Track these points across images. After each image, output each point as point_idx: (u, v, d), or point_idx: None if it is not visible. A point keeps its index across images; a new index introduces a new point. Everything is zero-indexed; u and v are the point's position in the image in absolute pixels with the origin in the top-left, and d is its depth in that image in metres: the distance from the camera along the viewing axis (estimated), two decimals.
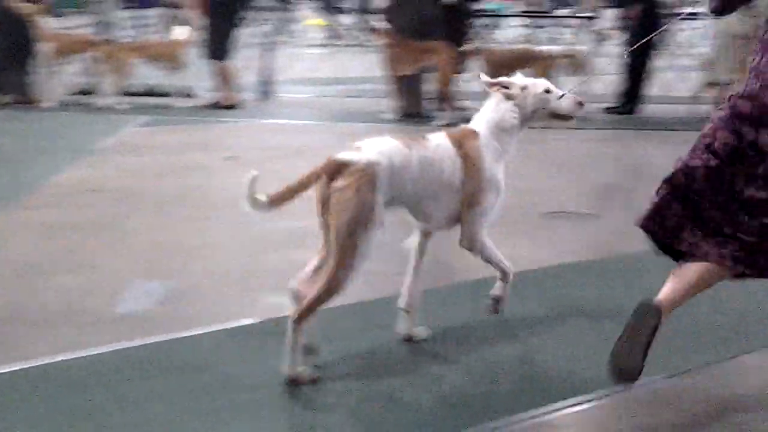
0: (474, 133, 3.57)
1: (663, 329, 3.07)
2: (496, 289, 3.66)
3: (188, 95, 11.19)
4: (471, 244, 3.57)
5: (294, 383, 3.23)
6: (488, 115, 3.63)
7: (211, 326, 3.83)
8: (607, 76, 11.72)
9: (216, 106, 10.72)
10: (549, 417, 3.10)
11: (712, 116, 3.20)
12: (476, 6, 11.80)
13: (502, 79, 3.74)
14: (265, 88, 11.87)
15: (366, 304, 4.06)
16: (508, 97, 3.64)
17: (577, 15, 17.22)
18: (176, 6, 13.62)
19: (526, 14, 20.02)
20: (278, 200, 3.23)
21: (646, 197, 6.47)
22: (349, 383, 3.31)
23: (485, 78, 3.77)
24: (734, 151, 3.05)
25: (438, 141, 3.48)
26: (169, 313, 4.04)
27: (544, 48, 11.21)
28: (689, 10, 9.93)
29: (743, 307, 4.13)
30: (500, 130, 3.59)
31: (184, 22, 11.78)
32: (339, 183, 3.18)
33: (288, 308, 3.29)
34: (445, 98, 9.79)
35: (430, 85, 10.23)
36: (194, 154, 7.82)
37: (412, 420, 3.03)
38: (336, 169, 3.20)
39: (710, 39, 11.12)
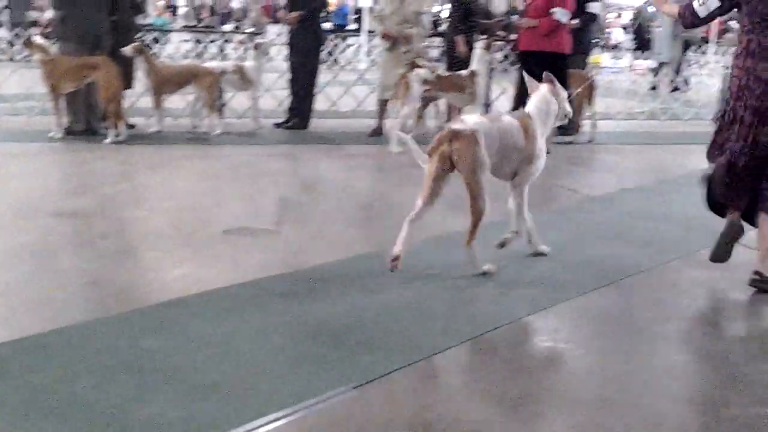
0: (529, 115, 5.13)
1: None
2: (510, 233, 5.24)
3: None
4: (521, 189, 5.14)
5: (485, 274, 4.84)
6: (537, 104, 5.21)
7: None
8: (276, 92, 11.90)
9: None
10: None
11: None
12: (142, 21, 11.50)
13: (553, 78, 5.32)
14: None
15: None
16: (553, 93, 5.24)
17: (244, 30, 17.34)
18: None
19: (192, 29, 19.87)
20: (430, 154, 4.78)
21: (320, 211, 6.63)
22: None
23: (531, 79, 5.46)
24: None
25: (509, 119, 5.06)
26: None
27: (211, 64, 11.12)
28: (353, 27, 10.31)
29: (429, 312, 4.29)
30: (545, 114, 5.19)
31: None
32: (457, 144, 4.66)
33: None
34: (111, 115, 9.42)
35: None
36: None
37: None
38: (453, 135, 4.68)
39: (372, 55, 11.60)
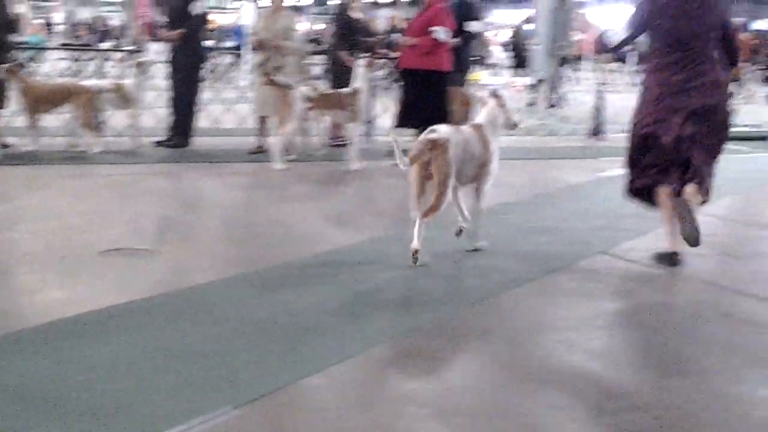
0: (482, 126, 5.88)
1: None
2: (465, 222, 5.97)
3: None
4: (482, 191, 5.88)
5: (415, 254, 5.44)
6: (487, 116, 5.93)
7: None
8: (156, 110, 11.73)
9: None
10: None
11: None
12: (17, 39, 11.18)
13: (500, 93, 6.03)
14: None
15: None
16: (501, 105, 5.92)
17: (122, 48, 17.06)
18: None
19: (69, 47, 19.44)
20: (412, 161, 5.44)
21: (202, 230, 6.58)
22: None
23: (482, 93, 5.89)
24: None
25: (468, 130, 5.83)
26: None
27: (88, 82, 10.88)
28: (232, 43, 10.28)
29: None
30: (493, 125, 5.90)
31: None
32: (435, 152, 5.43)
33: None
34: None
35: None
36: None
37: None
38: (432, 144, 5.44)
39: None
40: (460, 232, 6.04)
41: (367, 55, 10.52)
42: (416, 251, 5.48)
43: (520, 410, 3.49)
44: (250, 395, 3.51)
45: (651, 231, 6.65)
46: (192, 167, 9.52)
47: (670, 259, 5.66)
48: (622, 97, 17.29)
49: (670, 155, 5.64)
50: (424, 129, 9.47)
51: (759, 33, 33.80)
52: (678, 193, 5.57)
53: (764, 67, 23.38)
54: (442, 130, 5.62)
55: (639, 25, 5.80)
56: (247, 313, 4.53)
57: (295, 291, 4.94)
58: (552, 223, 6.90)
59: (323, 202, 7.97)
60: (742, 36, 23.78)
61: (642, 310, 4.90)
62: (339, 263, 5.61)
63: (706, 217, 7.18)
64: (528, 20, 23.43)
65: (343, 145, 10.88)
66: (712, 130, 5.63)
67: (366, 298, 4.87)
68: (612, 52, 6.06)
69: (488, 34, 32.59)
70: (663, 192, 5.72)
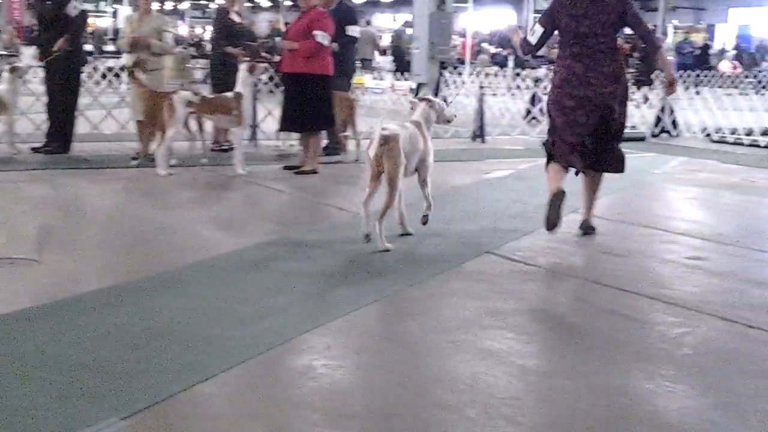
0: (420, 123, 6.53)
1: None
2: (425, 210, 6.59)
3: None
4: (423, 180, 6.52)
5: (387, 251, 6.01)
6: (422, 114, 6.62)
7: None
8: (33, 115, 11.40)
9: None
10: None
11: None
12: None
13: (428, 97, 7.08)
14: None
15: None
16: (431, 106, 6.71)
17: None
18: None
19: None
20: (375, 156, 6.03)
21: (85, 237, 6.43)
22: None
23: (415, 98, 7.64)
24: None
25: (411, 126, 6.40)
26: None
27: None
28: (113, 48, 10.05)
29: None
30: (427, 122, 6.65)
31: None
32: (387, 147, 5.99)
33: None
34: None
35: None
36: None
37: None
38: (384, 140, 5.97)
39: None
40: (425, 222, 6.64)
41: (248, 59, 10.46)
42: (368, 234, 6.09)
43: (413, 411, 3.51)
44: (138, 405, 3.44)
45: (536, 231, 6.81)
46: (72, 174, 9.28)
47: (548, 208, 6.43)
48: (503, 100, 17.70)
49: (564, 137, 6.57)
50: (309, 133, 9.67)
51: (631, 37, 34.93)
52: (565, 170, 6.63)
53: (635, 71, 24.04)
54: (391, 127, 6.18)
55: (550, 24, 6.63)
56: (131, 322, 4.43)
57: (180, 298, 4.87)
58: (439, 225, 6.97)
59: (208, 207, 7.88)
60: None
61: (528, 309, 4.99)
62: (224, 269, 5.56)
63: None
64: (407, 24, 23.67)
65: (228, 150, 10.79)
66: (607, 117, 6.49)
67: (252, 305, 4.83)
68: (534, 50, 6.85)
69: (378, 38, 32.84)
70: (552, 168, 6.69)
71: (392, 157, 6.02)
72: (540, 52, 8.97)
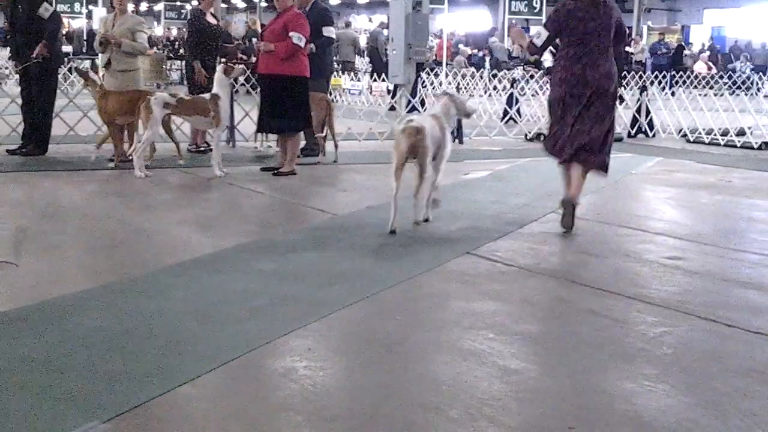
0: (438, 115, 7.07)
1: None
2: (435, 194, 7.14)
3: None
4: (437, 170, 7.02)
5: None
6: (442, 108, 7.17)
7: None
8: (8, 117, 11.32)
9: None
10: None
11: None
12: None
13: (450, 92, 7.73)
14: None
15: None
16: (452, 101, 7.31)
17: None
18: None
19: None
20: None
21: (63, 240, 6.38)
22: None
23: (439, 92, 8.83)
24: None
25: (431, 119, 6.94)
26: None
27: None
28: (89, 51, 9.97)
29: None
30: (447, 116, 7.18)
31: None
32: (419, 136, 6.62)
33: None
34: None
35: None
36: None
37: None
38: (417, 129, 6.62)
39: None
40: (435, 203, 7.22)
41: (224, 60, 10.42)
42: (394, 230, 6.69)
43: (394, 412, 3.51)
44: (119, 408, 3.42)
45: (513, 232, 6.84)
46: (49, 175, 9.22)
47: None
48: (480, 101, 17.73)
49: (560, 130, 7.17)
50: (286, 134, 9.65)
51: None
52: (565, 162, 7.16)
53: None
54: (418, 119, 6.92)
55: (555, 29, 7.21)
56: (111, 325, 4.41)
57: (159, 301, 4.85)
58: (418, 226, 6.98)
59: (186, 209, 7.84)
60: None
61: (508, 309, 4.99)
62: (204, 271, 5.53)
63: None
64: (382, 25, 23.67)
65: (205, 152, 10.75)
66: (603, 110, 7.09)
67: (232, 307, 4.81)
68: (540, 52, 7.66)
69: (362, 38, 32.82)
70: (560, 170, 7.30)
71: (422, 145, 6.67)
72: (514, 54, 10.58)
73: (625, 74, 19.34)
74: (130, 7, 11.16)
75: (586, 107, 7.02)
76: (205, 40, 11.06)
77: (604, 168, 7.18)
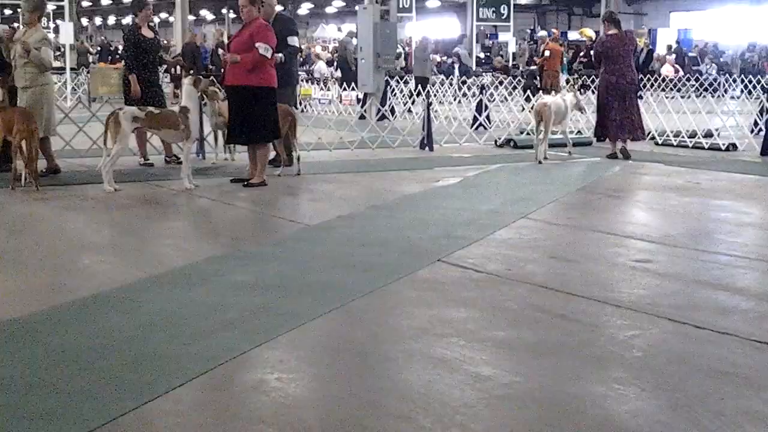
0: (565, 99, 12.49)
1: None
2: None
3: None
4: (565, 132, 12.92)
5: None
6: (567, 95, 12.81)
7: None
8: None
9: None
10: None
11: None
12: None
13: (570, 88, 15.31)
14: None
15: None
16: (575, 97, 12.88)
17: None
18: None
19: None
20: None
21: (29, 255, 6.32)
22: None
23: (566, 90, 15.41)
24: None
25: (558, 98, 12.45)
26: None
27: None
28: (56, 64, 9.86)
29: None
30: (571, 101, 12.61)
31: None
32: (546, 108, 11.83)
33: None
34: None
35: None
36: None
37: None
38: (545, 105, 11.93)
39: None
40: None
41: (191, 73, 10.39)
42: (543, 159, 11.95)
43: (367, 422, 3.51)
44: (91, 425, 3.40)
45: (484, 238, 6.86)
46: (8, 192, 9.08)
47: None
48: (449, 108, 17.79)
49: (612, 116, 12.31)
50: (256, 145, 9.60)
51: (571, 43, 35.27)
52: (615, 140, 12.44)
53: (577, 76, 24.38)
54: (548, 98, 12.13)
55: (600, 51, 12.56)
56: (81, 341, 4.38)
57: (130, 315, 4.82)
58: (389, 234, 6.99)
59: (157, 222, 7.81)
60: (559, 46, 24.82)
61: (479, 316, 4.99)
62: (174, 284, 5.51)
63: (534, 222, 7.46)
64: (351, 34, 23.70)
65: (175, 164, 10.71)
66: (631, 103, 12.42)
67: (202, 320, 4.79)
68: (596, 67, 13.63)
69: (317, 49, 32.83)
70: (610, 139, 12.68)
71: (546, 115, 11.68)
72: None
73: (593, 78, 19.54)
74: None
75: (622, 101, 12.25)
76: (140, 53, 11.02)
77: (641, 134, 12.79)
